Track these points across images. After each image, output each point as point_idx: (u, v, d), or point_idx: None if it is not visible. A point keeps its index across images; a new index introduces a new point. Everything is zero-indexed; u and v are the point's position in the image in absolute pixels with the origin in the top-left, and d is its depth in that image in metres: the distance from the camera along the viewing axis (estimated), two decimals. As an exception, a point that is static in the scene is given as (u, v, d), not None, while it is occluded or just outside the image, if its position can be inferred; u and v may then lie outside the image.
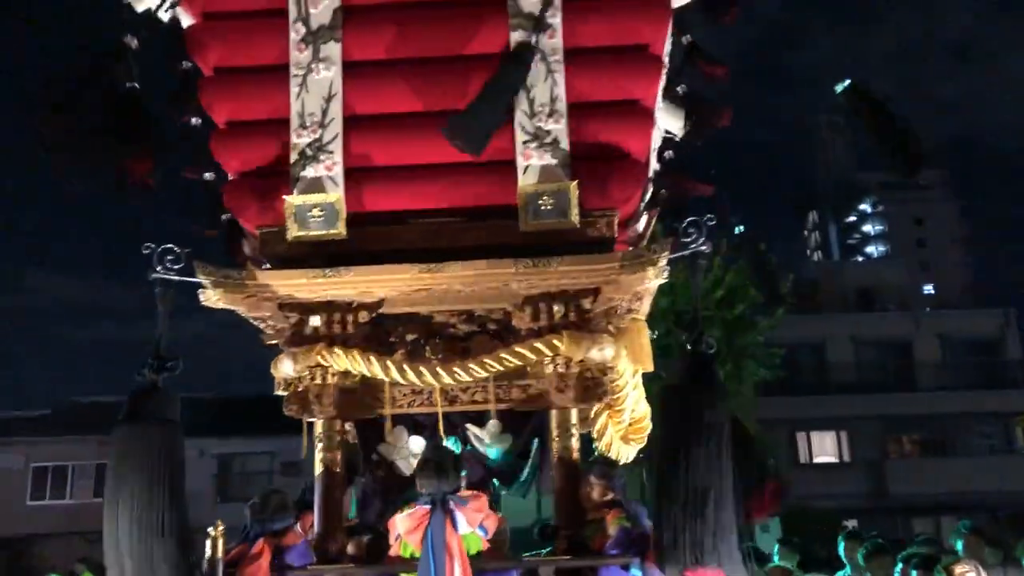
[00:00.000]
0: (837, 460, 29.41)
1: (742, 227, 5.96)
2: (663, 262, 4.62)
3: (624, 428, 5.57)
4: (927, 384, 29.43)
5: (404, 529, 4.30)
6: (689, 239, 4.55)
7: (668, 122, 6.39)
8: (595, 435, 5.40)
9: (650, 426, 5.80)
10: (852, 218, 40.50)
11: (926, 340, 29.67)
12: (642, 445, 5.97)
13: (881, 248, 47.80)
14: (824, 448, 29.48)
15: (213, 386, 32.83)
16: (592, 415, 5.37)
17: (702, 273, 4.74)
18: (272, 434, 23.27)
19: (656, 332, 18.06)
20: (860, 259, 40.54)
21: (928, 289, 49.30)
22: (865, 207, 44.16)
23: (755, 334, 21.86)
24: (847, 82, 4.83)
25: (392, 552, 4.42)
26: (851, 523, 26.18)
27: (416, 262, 4.64)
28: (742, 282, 21.30)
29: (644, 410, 5.79)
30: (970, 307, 37.28)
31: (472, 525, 4.35)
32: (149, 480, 4.22)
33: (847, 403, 28.32)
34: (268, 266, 4.92)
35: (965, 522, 6.97)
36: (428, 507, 4.27)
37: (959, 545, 6.61)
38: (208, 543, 4.38)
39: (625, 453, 5.72)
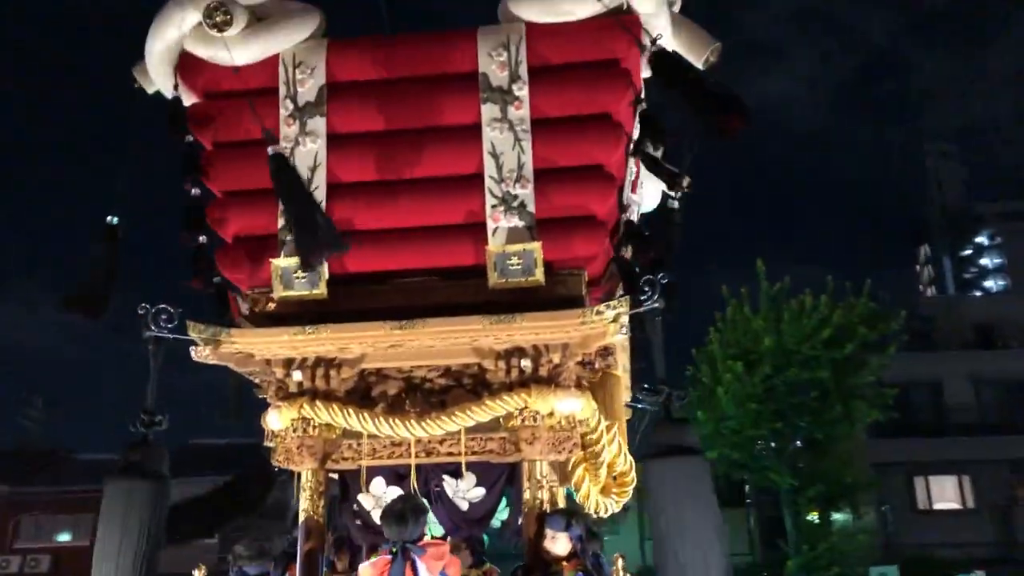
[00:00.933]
0: (960, 506, 27.84)
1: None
2: (623, 318, 4.77)
3: (602, 481, 5.64)
4: (1056, 426, 27.67)
5: None
6: (644, 297, 4.69)
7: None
8: (573, 487, 5.50)
9: (635, 480, 5.86)
10: (968, 251, 38.64)
11: (1051, 379, 27.94)
12: (627, 499, 6.02)
13: (1001, 282, 45.25)
14: (945, 494, 27.97)
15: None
16: (570, 468, 5.49)
17: (658, 327, 4.83)
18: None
19: (763, 372, 17.94)
20: (978, 293, 38.59)
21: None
22: (982, 239, 42.02)
23: (866, 374, 21.20)
24: (654, 50, 4.92)
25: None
26: (978, 575, 24.84)
27: (392, 319, 4.93)
28: (851, 320, 20.77)
29: (627, 464, 5.85)
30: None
31: (433, 573, 4.53)
32: (135, 531, 4.62)
33: (969, 445, 26.82)
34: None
35: None
36: (390, 557, 4.48)
37: None
38: (192, 583, 4.75)
39: (605, 505, 5.78)
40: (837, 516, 23.86)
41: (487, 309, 4.86)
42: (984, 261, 43.86)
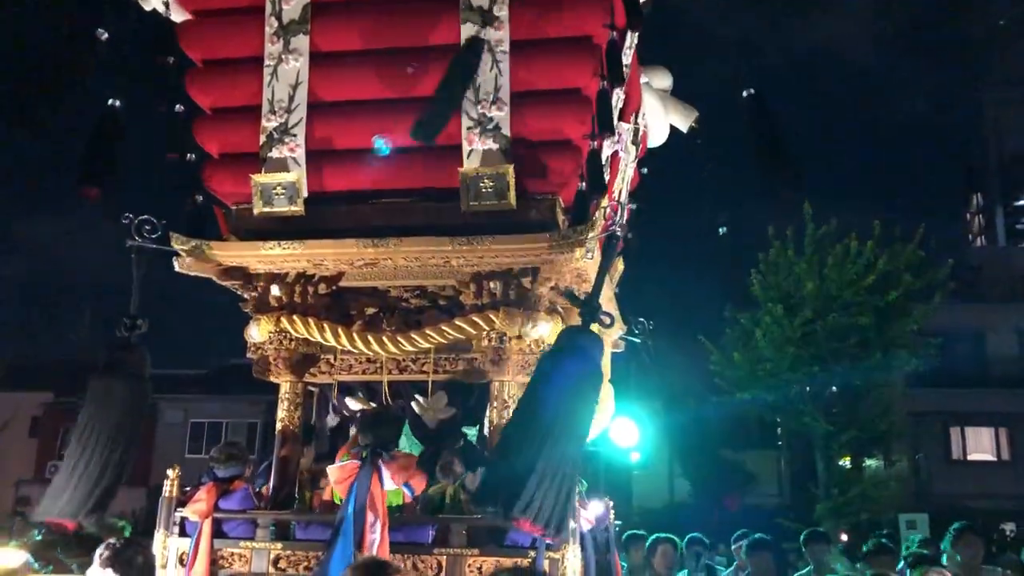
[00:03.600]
0: (995, 458, 27.59)
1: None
2: (591, 243, 4.78)
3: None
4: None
5: (334, 479, 4.71)
6: (637, 332, 4.72)
7: (675, 119, 6.47)
8: None
9: (612, 408, 5.91)
10: (1022, 201, 37.40)
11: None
12: (605, 427, 6.08)
13: (1055, 234, 44.04)
14: (980, 445, 27.70)
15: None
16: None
17: (613, 252, 4.82)
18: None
19: (803, 316, 17.75)
20: (1028, 245, 37.64)
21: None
22: (1036, 189, 40.82)
23: (909, 322, 20.90)
24: (751, 91, 4.91)
25: (325, 496, 4.84)
26: (1008, 527, 24.66)
27: (367, 238, 5.01)
28: (897, 267, 20.43)
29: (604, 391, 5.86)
30: None
31: (397, 483, 4.70)
32: (112, 427, 4.82)
33: (1008, 398, 26.46)
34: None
35: None
36: (358, 462, 4.65)
37: None
38: (165, 484, 4.97)
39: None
40: (869, 462, 23.81)
41: (460, 231, 4.91)
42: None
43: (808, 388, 21.24)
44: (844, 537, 19.65)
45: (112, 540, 4.26)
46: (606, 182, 5.03)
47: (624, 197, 6.11)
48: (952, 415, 27.01)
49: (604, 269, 4.60)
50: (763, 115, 4.92)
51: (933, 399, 25.99)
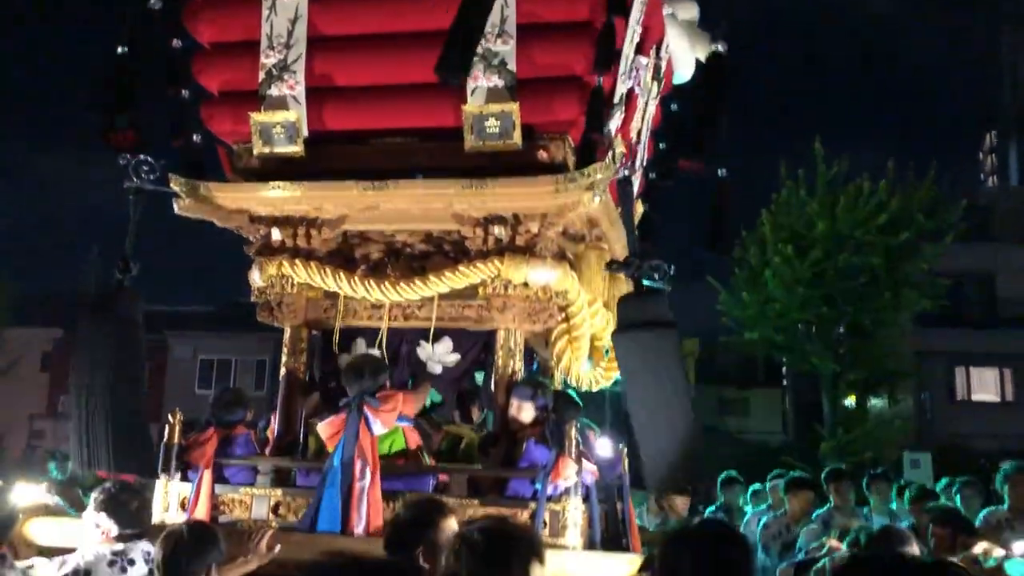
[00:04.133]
0: (998, 399, 27.64)
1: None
2: (599, 186, 4.62)
3: (584, 354, 5.58)
4: (1108, 325, 26.94)
5: (324, 435, 4.63)
6: (654, 279, 4.61)
7: (701, 53, 6.21)
8: (553, 359, 5.49)
9: None
10: (1037, 139, 36.98)
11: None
12: (616, 375, 5.97)
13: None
14: (984, 385, 27.72)
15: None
16: (552, 338, 5.46)
17: (630, 196, 4.70)
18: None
19: (813, 256, 17.62)
20: (1042, 185, 37.08)
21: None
22: (1051, 128, 40.07)
23: (919, 262, 20.75)
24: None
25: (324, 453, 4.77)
26: (1008, 466, 24.76)
27: (368, 180, 4.85)
28: (909, 207, 20.21)
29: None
30: None
31: (388, 425, 4.62)
32: (104, 368, 4.76)
33: (1016, 339, 26.41)
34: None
35: None
36: (345, 413, 4.57)
37: None
38: (166, 429, 4.91)
39: (592, 378, 5.74)
40: (874, 402, 23.88)
41: (464, 173, 4.74)
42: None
43: (815, 328, 21.19)
44: (824, 473, 19.75)
45: (108, 484, 4.21)
46: (607, 121, 4.81)
47: (644, 136, 5.86)
48: (958, 355, 26.98)
49: (628, 216, 4.48)
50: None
51: (940, 339, 25.94)
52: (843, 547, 4.31)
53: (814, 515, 6.75)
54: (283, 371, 5.23)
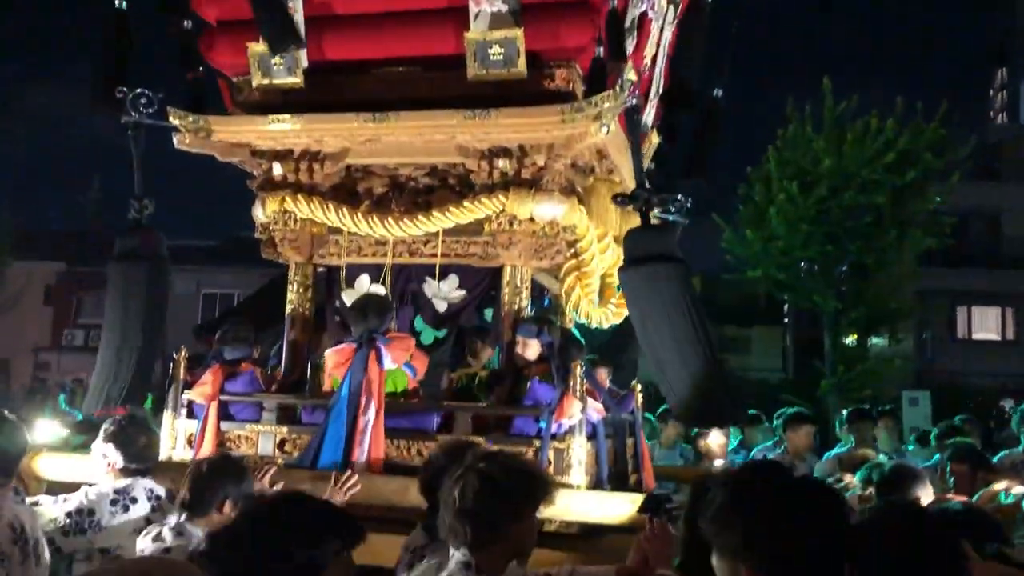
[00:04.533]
0: (999, 337, 27.70)
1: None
2: (607, 116, 4.48)
3: (594, 290, 5.55)
4: (1111, 263, 26.85)
5: (331, 363, 4.63)
6: (672, 211, 4.50)
7: None
8: (563, 295, 5.45)
9: None
10: (1048, 76, 36.21)
11: (1116, 215, 26.87)
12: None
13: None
14: (986, 324, 27.74)
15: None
16: (562, 274, 5.42)
17: (637, 125, 4.59)
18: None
19: (818, 194, 17.45)
20: (1053, 123, 36.49)
21: None
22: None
23: (926, 201, 20.57)
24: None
25: (325, 386, 4.78)
26: (1008, 403, 24.94)
27: (368, 111, 4.73)
28: (917, 145, 19.97)
29: None
30: None
31: (397, 362, 4.61)
32: (136, 311, 4.76)
33: (1018, 278, 26.36)
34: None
35: None
36: (355, 344, 4.56)
37: None
38: (172, 366, 4.91)
39: (598, 316, 5.71)
40: (875, 340, 23.91)
41: (467, 103, 4.61)
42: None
43: (817, 266, 21.14)
44: (845, 413, 19.91)
45: (118, 416, 4.22)
46: (627, 47, 4.68)
47: (661, 63, 5.67)
48: (961, 294, 26.95)
49: (636, 147, 4.35)
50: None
51: (943, 278, 25.86)
52: (857, 481, 4.31)
53: (830, 454, 6.77)
54: (288, 308, 5.21)
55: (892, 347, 24.46)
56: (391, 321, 4.71)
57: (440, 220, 4.86)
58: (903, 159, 19.77)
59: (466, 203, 4.82)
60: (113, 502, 3.86)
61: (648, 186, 4.54)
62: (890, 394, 21.89)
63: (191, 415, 4.87)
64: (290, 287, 5.23)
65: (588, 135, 4.55)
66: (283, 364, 5.16)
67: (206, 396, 4.75)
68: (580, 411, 4.34)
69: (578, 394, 4.35)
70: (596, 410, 4.58)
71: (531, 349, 4.72)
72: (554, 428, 4.35)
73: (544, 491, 2.71)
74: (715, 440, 6.68)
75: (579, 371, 4.39)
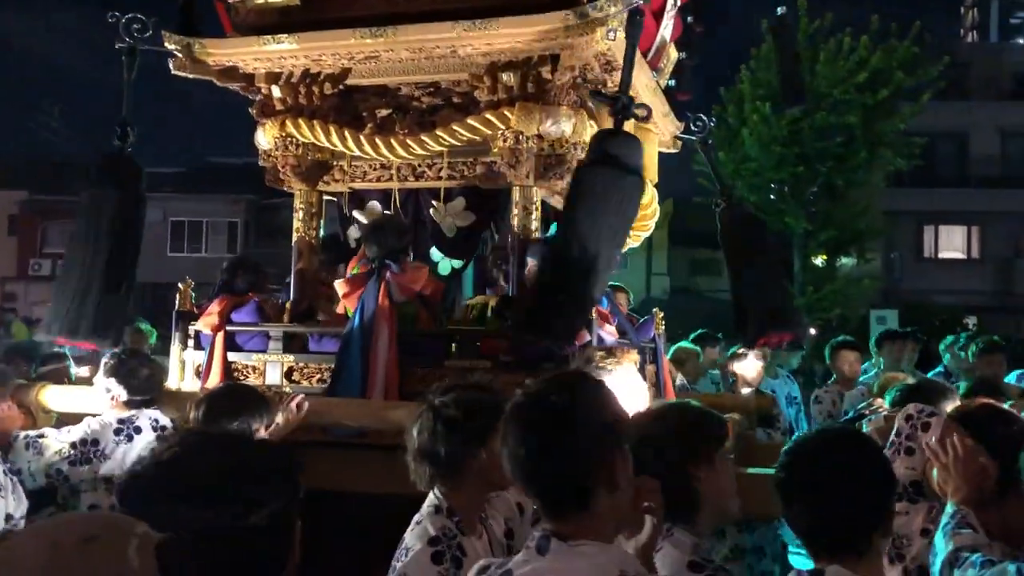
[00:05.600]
0: (965, 256, 28.19)
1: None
2: (614, 21, 4.30)
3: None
4: (1079, 182, 27.27)
5: (342, 292, 4.55)
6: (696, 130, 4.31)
7: None
8: None
9: (655, 214, 5.66)
10: (1020, -6, 36.20)
11: (1084, 134, 27.20)
12: (648, 234, 5.84)
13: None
14: (952, 243, 28.22)
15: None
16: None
17: (636, 30, 4.39)
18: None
19: (791, 115, 17.34)
20: (1021, 41, 36.42)
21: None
22: (1036, -17, 39.07)
23: (896, 121, 20.63)
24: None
25: (338, 311, 4.70)
26: (971, 320, 25.50)
27: (364, 27, 4.57)
28: (889, 64, 19.92)
29: (648, 196, 5.39)
30: None
31: (406, 294, 4.52)
32: (106, 245, 4.58)
33: (984, 197, 26.70)
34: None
35: None
36: (366, 271, 4.47)
37: None
38: (177, 296, 4.79)
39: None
40: (844, 261, 24.22)
41: (469, 15, 4.43)
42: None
43: (787, 188, 21.23)
44: (813, 332, 20.21)
45: (117, 350, 4.16)
46: None
47: None
48: (928, 214, 27.29)
49: (630, 52, 4.16)
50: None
51: (911, 198, 26.16)
52: (886, 405, 4.31)
53: (861, 379, 6.78)
54: (295, 237, 5.10)
55: (860, 267, 24.82)
56: (408, 243, 4.60)
57: (444, 139, 4.73)
58: (875, 78, 19.79)
59: (471, 120, 4.68)
60: (117, 431, 3.85)
61: (626, 94, 4.28)
62: (859, 313, 22.28)
63: (199, 346, 4.77)
64: (295, 215, 5.10)
65: (594, 42, 4.37)
66: (292, 294, 5.05)
67: (212, 326, 4.65)
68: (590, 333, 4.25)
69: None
70: (611, 334, 4.53)
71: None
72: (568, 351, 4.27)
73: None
74: (750, 367, 6.49)
75: (622, 297, 4.32)
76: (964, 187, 26.94)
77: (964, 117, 27.03)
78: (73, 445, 3.80)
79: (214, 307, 4.72)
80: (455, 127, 4.69)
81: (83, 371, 5.97)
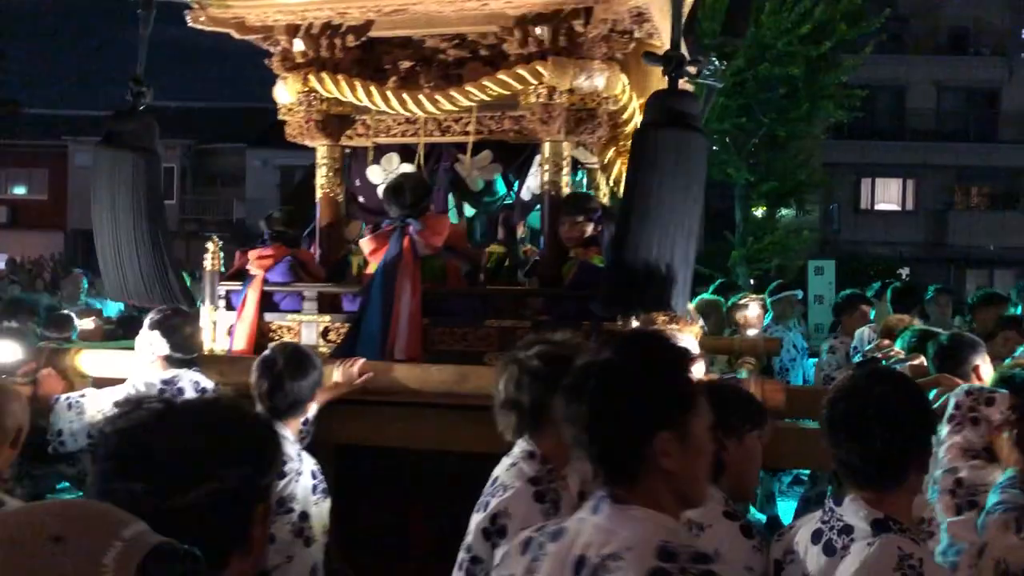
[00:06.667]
0: (899, 208, 28.99)
1: None
2: None
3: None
4: (1009, 136, 28.15)
5: (367, 250, 4.49)
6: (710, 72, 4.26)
7: None
8: (601, 168, 5.32)
9: None
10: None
11: (1016, 89, 28.00)
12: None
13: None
14: (888, 195, 28.99)
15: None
16: (606, 161, 5.26)
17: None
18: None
19: (735, 65, 17.38)
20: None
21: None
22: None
23: (839, 73, 20.93)
24: None
25: (367, 271, 4.63)
26: (904, 271, 26.32)
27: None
28: (832, 17, 20.13)
29: None
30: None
31: (431, 249, 4.47)
32: (126, 201, 4.43)
33: (920, 150, 27.41)
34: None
35: None
36: (390, 229, 4.40)
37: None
38: (206, 257, 4.65)
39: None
40: (784, 212, 24.69)
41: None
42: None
43: (729, 139, 21.46)
44: (752, 282, 20.65)
45: (164, 306, 4.05)
46: None
47: None
48: (864, 166, 27.91)
49: (677, 6, 4.11)
50: None
51: (849, 151, 26.71)
52: (897, 346, 4.42)
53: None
54: (319, 193, 4.99)
55: (800, 219, 25.33)
56: (430, 201, 4.53)
57: (474, 94, 4.63)
58: (818, 30, 19.99)
59: (501, 74, 4.59)
60: (161, 392, 3.75)
61: (682, 48, 4.27)
62: (797, 264, 22.78)
63: (229, 307, 4.65)
64: (319, 170, 4.97)
65: None
66: (317, 250, 4.94)
67: (265, 268, 4.60)
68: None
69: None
70: None
71: (581, 228, 4.60)
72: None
73: None
74: (752, 312, 7.04)
75: None
76: (901, 140, 27.57)
77: (902, 71, 27.60)
78: (117, 404, 3.68)
79: (268, 251, 4.62)
80: (485, 82, 4.60)
81: (87, 323, 5.82)
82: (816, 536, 2.26)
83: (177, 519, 1.32)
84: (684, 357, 1.87)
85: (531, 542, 1.90)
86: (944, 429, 3.07)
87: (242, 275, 4.73)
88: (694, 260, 3.92)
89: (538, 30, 4.53)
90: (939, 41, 28.89)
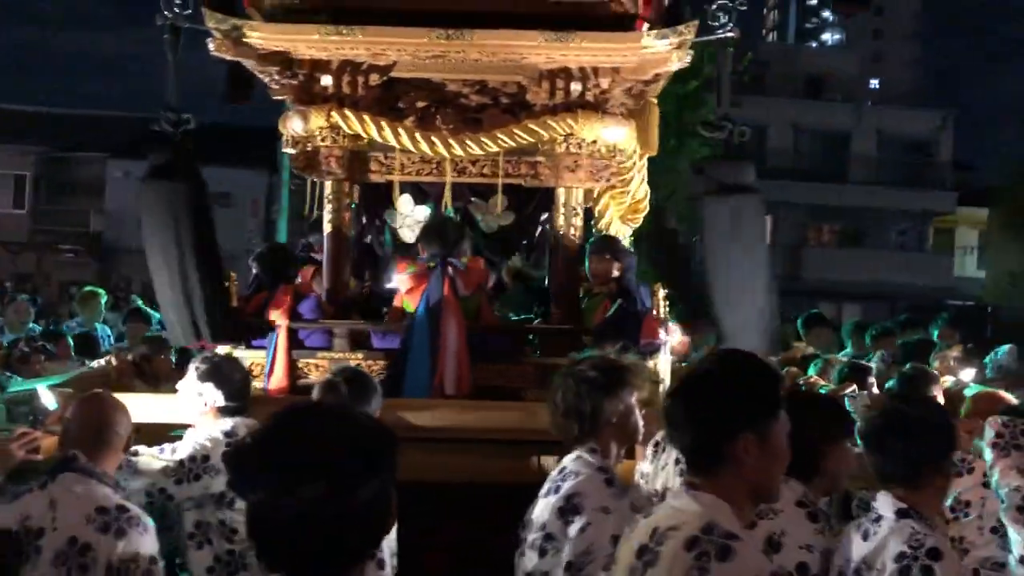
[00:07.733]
0: (759, 242, 30.57)
1: None
2: (687, 46, 4.54)
3: (624, 209, 5.70)
4: (859, 177, 30.28)
5: (404, 288, 4.49)
6: (717, 24, 4.52)
7: None
8: (596, 215, 5.52)
9: (647, 208, 5.95)
10: (813, 0, 39.45)
11: (865, 134, 30.18)
12: (638, 226, 6.18)
13: (837, 36, 47.09)
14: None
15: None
16: (595, 195, 5.47)
17: (727, 59, 4.71)
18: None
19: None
20: (814, 45, 39.91)
21: (875, 84, 49.61)
22: (826, -10, 43.19)
23: (704, 111, 21.90)
24: None
25: (395, 306, 4.64)
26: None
27: (436, 25, 4.50)
28: (699, 58, 21.02)
29: (644, 192, 5.92)
30: (912, 106, 37.79)
31: (470, 289, 4.54)
32: (174, 235, 4.31)
33: (777, 188, 28.99)
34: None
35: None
36: (429, 267, 4.44)
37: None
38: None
39: (623, 233, 5.90)
40: (649, 243, 25.56)
41: (540, 22, 4.49)
42: (826, 13, 45.23)
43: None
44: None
45: (209, 354, 3.88)
46: None
47: None
48: (728, 201, 29.24)
49: (721, 77, 4.41)
50: None
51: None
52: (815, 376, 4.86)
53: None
54: (328, 228, 4.91)
55: (664, 248, 26.28)
56: (467, 248, 4.60)
57: (503, 141, 4.74)
58: (686, 69, 20.91)
59: (531, 124, 4.73)
60: (227, 445, 3.62)
61: (730, 121, 4.62)
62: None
63: (250, 345, 4.52)
64: (329, 206, 4.91)
65: (667, 63, 4.60)
66: (325, 285, 4.88)
67: (284, 317, 4.47)
68: (664, 332, 4.48)
69: (661, 315, 4.51)
70: (670, 331, 4.75)
71: (607, 268, 4.83)
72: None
73: (632, 376, 3.05)
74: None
75: (661, 293, 4.54)
76: (761, 178, 29.02)
77: (764, 112, 29.23)
78: (181, 463, 3.51)
79: (284, 297, 4.52)
80: (515, 130, 4.71)
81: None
82: (857, 527, 2.78)
83: (344, 515, 1.49)
84: (772, 372, 2.21)
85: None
86: (988, 455, 3.36)
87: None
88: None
89: (573, 85, 4.69)
90: (796, 86, 30.80)
